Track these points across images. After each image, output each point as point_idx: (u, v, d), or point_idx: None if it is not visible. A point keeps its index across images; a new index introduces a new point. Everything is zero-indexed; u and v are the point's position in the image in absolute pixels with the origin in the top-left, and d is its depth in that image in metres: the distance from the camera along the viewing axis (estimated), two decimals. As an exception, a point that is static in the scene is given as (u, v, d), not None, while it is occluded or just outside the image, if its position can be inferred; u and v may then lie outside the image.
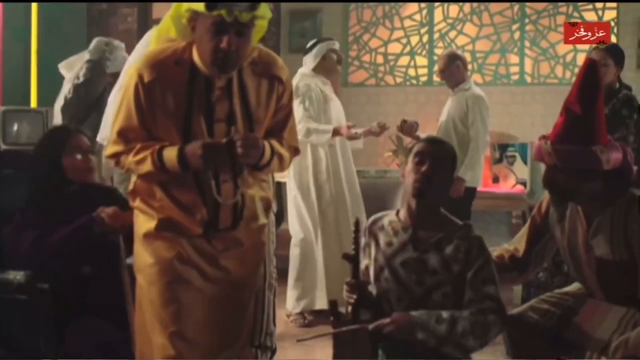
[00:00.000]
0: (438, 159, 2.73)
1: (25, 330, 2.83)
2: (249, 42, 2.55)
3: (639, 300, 2.58)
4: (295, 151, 2.84)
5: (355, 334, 2.69)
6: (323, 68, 5.01)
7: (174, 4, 2.65)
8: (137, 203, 2.71)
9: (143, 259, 2.69)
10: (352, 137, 5.00)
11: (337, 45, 5.10)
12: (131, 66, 2.69)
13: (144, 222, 2.68)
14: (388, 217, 2.87)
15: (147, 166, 2.57)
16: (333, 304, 2.84)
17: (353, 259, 2.77)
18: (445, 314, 2.60)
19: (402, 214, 2.83)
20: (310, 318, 4.89)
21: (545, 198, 2.87)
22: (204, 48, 2.52)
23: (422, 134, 5.56)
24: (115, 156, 2.65)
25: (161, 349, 2.65)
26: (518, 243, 2.95)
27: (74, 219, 2.90)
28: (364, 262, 2.89)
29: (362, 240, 2.91)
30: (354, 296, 2.71)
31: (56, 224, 2.90)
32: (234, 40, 2.47)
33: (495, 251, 2.97)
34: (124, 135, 2.61)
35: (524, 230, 2.95)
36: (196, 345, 2.68)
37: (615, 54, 4.36)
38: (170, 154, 2.54)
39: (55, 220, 2.90)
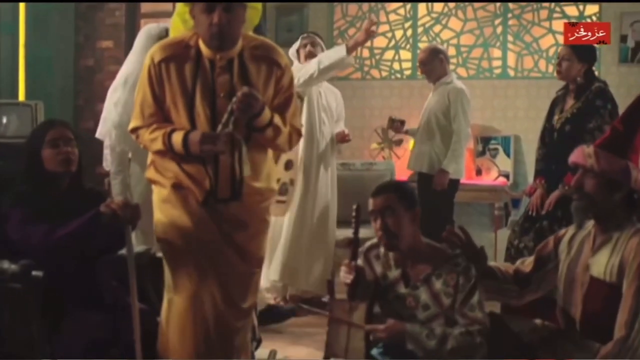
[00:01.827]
0: (388, 210, 2.82)
1: (17, 319, 2.86)
2: (238, 18, 2.90)
3: (610, 336, 2.64)
4: (297, 134, 3.11)
5: (351, 324, 2.78)
6: (302, 61, 5.06)
7: (179, 4, 3.12)
8: (151, 173, 3.04)
9: (161, 221, 3.01)
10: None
11: (313, 38, 5.11)
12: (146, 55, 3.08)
13: (159, 191, 3.03)
14: (383, 247, 2.93)
15: (158, 145, 2.93)
16: (330, 283, 3.00)
17: (353, 242, 2.89)
18: (438, 330, 2.68)
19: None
20: (292, 306, 4.96)
21: (564, 229, 3.02)
22: (202, 28, 2.91)
23: (408, 127, 5.66)
24: (135, 130, 3.04)
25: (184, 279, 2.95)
26: (528, 261, 3.06)
27: (65, 219, 2.92)
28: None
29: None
30: (351, 277, 2.81)
31: (52, 221, 2.92)
32: (223, 15, 2.84)
33: (501, 265, 3.11)
34: (141, 109, 2.98)
35: (536, 251, 3.07)
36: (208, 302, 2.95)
37: (579, 51, 4.31)
38: (177, 138, 2.89)
39: (47, 220, 2.92)
